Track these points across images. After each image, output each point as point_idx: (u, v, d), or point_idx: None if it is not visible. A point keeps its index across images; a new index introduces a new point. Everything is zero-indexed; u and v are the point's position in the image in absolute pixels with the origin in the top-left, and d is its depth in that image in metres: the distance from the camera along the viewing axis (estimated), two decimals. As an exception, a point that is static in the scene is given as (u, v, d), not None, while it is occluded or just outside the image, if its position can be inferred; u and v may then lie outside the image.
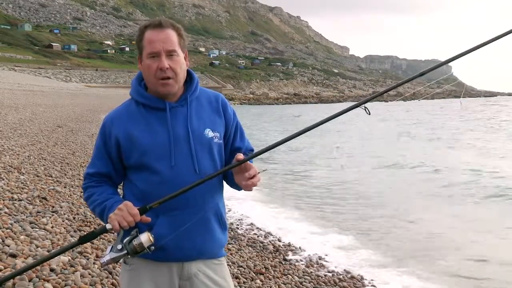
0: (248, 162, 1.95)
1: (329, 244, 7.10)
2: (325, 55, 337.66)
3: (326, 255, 6.37)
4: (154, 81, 1.95)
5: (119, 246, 1.84)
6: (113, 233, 2.78)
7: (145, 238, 1.84)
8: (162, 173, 1.94)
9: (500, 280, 5.73)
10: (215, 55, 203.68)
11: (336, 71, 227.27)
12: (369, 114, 1.94)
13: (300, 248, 6.48)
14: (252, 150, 2.20)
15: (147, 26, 1.97)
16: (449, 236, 7.56)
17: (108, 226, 1.87)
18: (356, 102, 2.00)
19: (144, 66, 1.97)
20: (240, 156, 1.90)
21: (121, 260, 1.89)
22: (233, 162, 1.93)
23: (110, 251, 1.85)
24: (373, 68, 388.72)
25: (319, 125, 1.97)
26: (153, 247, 1.86)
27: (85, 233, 2.02)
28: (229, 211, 8.06)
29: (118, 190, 2.10)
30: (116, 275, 4.02)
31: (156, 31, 1.94)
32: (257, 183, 1.95)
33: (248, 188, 1.98)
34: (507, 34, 2.01)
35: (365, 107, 1.97)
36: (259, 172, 1.96)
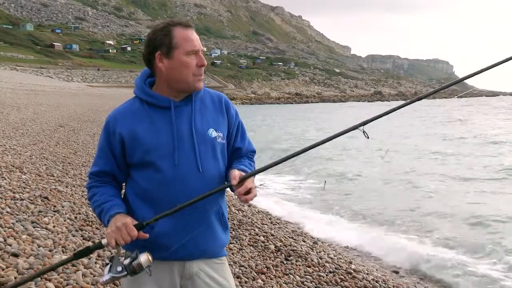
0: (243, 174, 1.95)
1: (330, 244, 7.10)
2: (326, 55, 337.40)
3: (328, 254, 6.37)
4: (192, 78, 1.96)
5: (119, 268, 1.84)
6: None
7: (145, 259, 1.84)
8: (165, 171, 1.94)
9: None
10: (217, 54, 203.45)
11: (337, 70, 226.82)
12: (368, 137, 1.89)
13: (301, 247, 6.47)
14: (254, 151, 2.21)
15: (175, 24, 1.97)
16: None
17: (104, 241, 1.88)
18: (356, 124, 1.94)
19: (180, 64, 1.94)
20: (235, 179, 1.90)
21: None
22: (229, 180, 1.96)
23: (109, 271, 1.85)
24: (375, 67, 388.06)
25: (316, 146, 2.00)
26: (151, 266, 1.86)
27: (82, 248, 2.02)
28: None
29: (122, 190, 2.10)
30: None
31: (189, 30, 1.97)
32: (252, 198, 1.94)
33: (244, 202, 1.97)
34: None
35: (363, 130, 1.91)
36: (255, 187, 1.95)
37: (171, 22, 1.98)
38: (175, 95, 2.00)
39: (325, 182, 11.18)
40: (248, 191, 1.92)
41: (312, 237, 7.29)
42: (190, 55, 1.95)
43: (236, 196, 2.01)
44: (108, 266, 1.86)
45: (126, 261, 1.85)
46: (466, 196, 10.55)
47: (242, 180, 1.91)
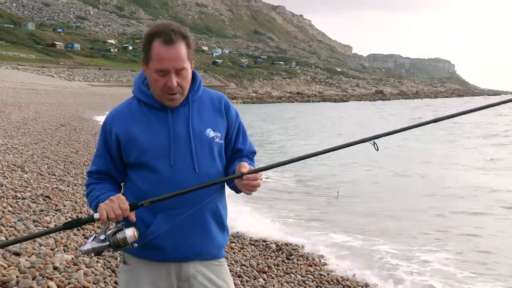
0: (250, 165, 1.95)
1: (332, 243, 7.09)
2: (328, 54, 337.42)
3: (330, 254, 6.37)
4: (160, 94, 1.92)
5: (102, 237, 1.78)
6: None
7: (130, 233, 1.79)
8: (161, 172, 1.92)
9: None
10: (218, 54, 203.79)
11: (339, 70, 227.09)
12: (377, 150, 1.89)
13: (302, 246, 6.48)
14: (254, 152, 2.19)
15: (156, 35, 1.86)
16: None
17: (96, 215, 1.81)
18: (366, 137, 1.95)
19: (150, 77, 1.92)
20: (244, 169, 1.89)
21: (120, 260, 1.86)
22: (236, 173, 1.93)
23: (93, 240, 1.79)
24: (376, 66, 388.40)
25: (327, 152, 1.97)
26: (136, 244, 1.80)
27: (73, 219, 1.97)
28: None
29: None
30: (119, 273, 4.02)
31: (166, 48, 1.85)
32: (256, 185, 1.91)
33: (247, 190, 1.93)
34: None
35: (374, 142, 1.92)
36: (261, 179, 1.93)
37: (155, 33, 1.88)
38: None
39: (338, 192, 10.89)
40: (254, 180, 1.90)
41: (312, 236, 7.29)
42: (159, 73, 1.88)
43: (236, 188, 1.99)
44: (92, 237, 1.81)
45: (111, 231, 1.79)
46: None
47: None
